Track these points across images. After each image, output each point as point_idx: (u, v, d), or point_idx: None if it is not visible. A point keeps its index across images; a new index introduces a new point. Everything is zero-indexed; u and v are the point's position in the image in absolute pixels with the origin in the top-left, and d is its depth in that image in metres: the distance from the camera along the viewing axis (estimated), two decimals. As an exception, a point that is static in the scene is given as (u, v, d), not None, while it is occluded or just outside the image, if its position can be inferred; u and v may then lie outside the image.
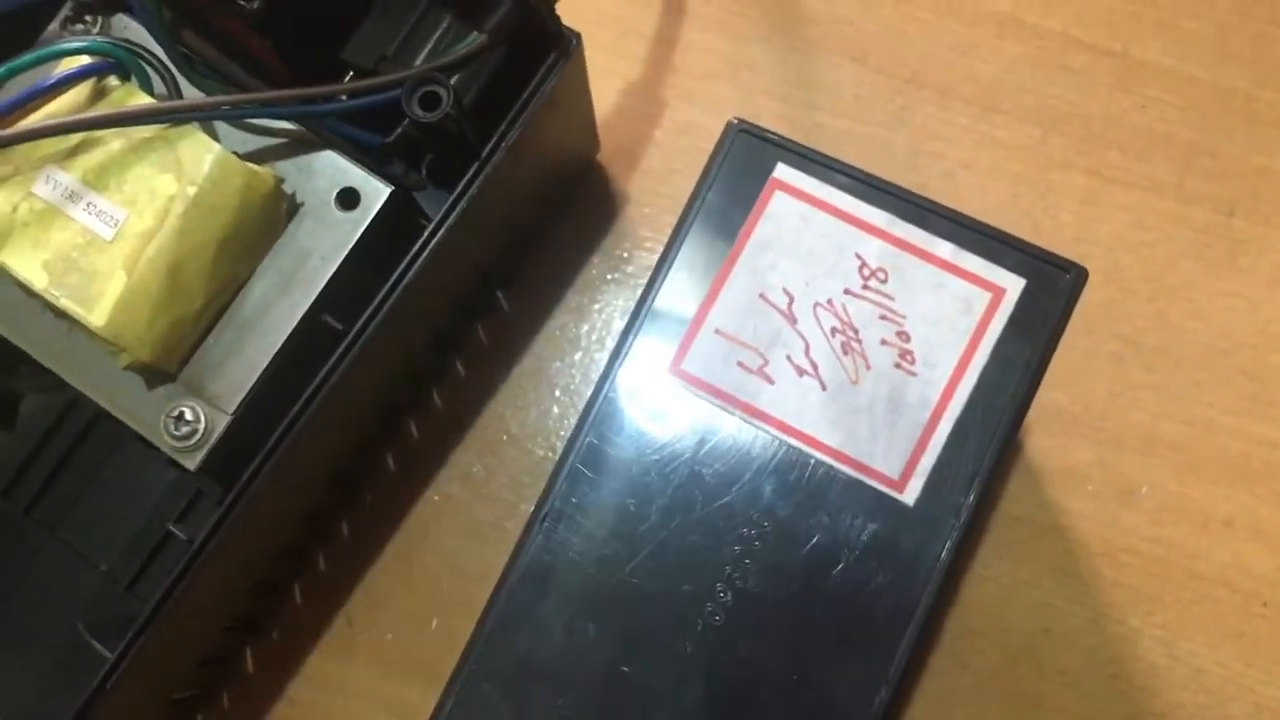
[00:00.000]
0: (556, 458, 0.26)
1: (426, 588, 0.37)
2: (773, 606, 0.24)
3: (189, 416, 0.30)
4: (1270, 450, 0.36)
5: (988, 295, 0.25)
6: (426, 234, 0.30)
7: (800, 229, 0.26)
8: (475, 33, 0.29)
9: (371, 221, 0.31)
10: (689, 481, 0.25)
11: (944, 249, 0.25)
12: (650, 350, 0.26)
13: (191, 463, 0.30)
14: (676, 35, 0.41)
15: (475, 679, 0.25)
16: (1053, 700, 0.36)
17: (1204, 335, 0.37)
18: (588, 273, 0.40)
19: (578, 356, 0.39)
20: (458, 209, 0.30)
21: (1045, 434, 0.37)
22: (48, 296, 0.28)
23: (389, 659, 0.37)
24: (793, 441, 0.25)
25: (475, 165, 0.30)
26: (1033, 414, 0.36)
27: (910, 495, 0.24)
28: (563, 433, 0.38)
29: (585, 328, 0.39)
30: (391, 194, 0.31)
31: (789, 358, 0.25)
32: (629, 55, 0.41)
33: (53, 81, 0.29)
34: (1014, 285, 0.25)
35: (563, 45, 0.31)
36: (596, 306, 0.39)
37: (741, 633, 0.24)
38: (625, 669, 0.24)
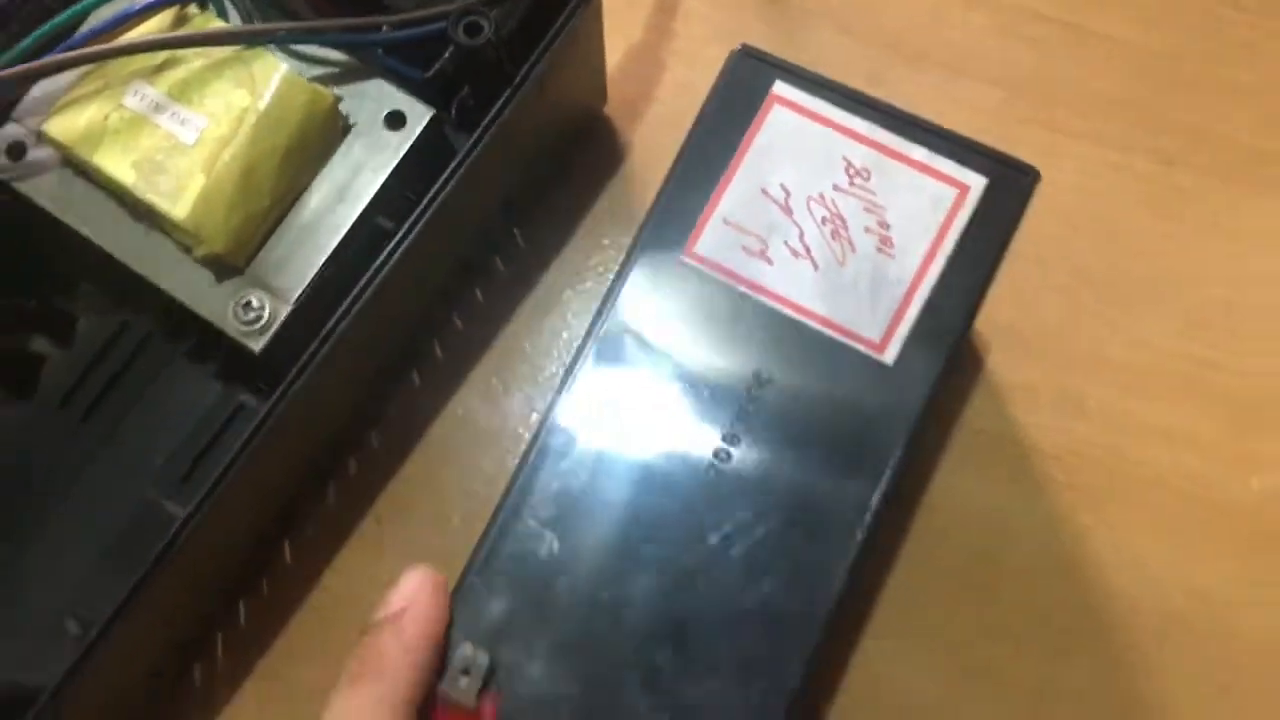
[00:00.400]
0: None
1: (449, 490, 0.41)
2: (771, 452, 0.28)
3: (255, 304, 0.34)
4: (1203, 369, 0.41)
5: (955, 191, 0.29)
6: (464, 151, 0.34)
7: (795, 136, 0.30)
8: (510, -26, 0.34)
9: (415, 140, 0.35)
10: (699, 348, 0.29)
11: (919, 153, 0.30)
12: (665, 239, 0.30)
13: (257, 345, 0.34)
14: (676, 3, 0.46)
15: (517, 513, 0.28)
16: (1011, 594, 0.40)
17: (1145, 270, 0.42)
18: (596, 211, 0.44)
19: (588, 284, 0.43)
20: (491, 130, 0.35)
21: (1003, 354, 0.41)
22: (135, 192, 0.32)
23: (414, 553, 0.41)
24: (789, 313, 0.29)
25: (508, 92, 0.35)
26: (993, 335, 0.41)
27: (890, 356, 0.28)
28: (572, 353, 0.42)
29: (594, 260, 0.43)
30: (433, 116, 0.35)
31: (785, 243, 0.29)
32: (634, 20, 0.45)
33: (140, 6, 0.33)
34: (977, 183, 0.30)
35: (588, -13, 0.35)
36: (605, 241, 0.43)
37: (742, 477, 0.28)
38: (643, 501, 0.28)
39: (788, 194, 0.30)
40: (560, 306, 0.43)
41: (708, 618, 0.27)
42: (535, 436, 0.29)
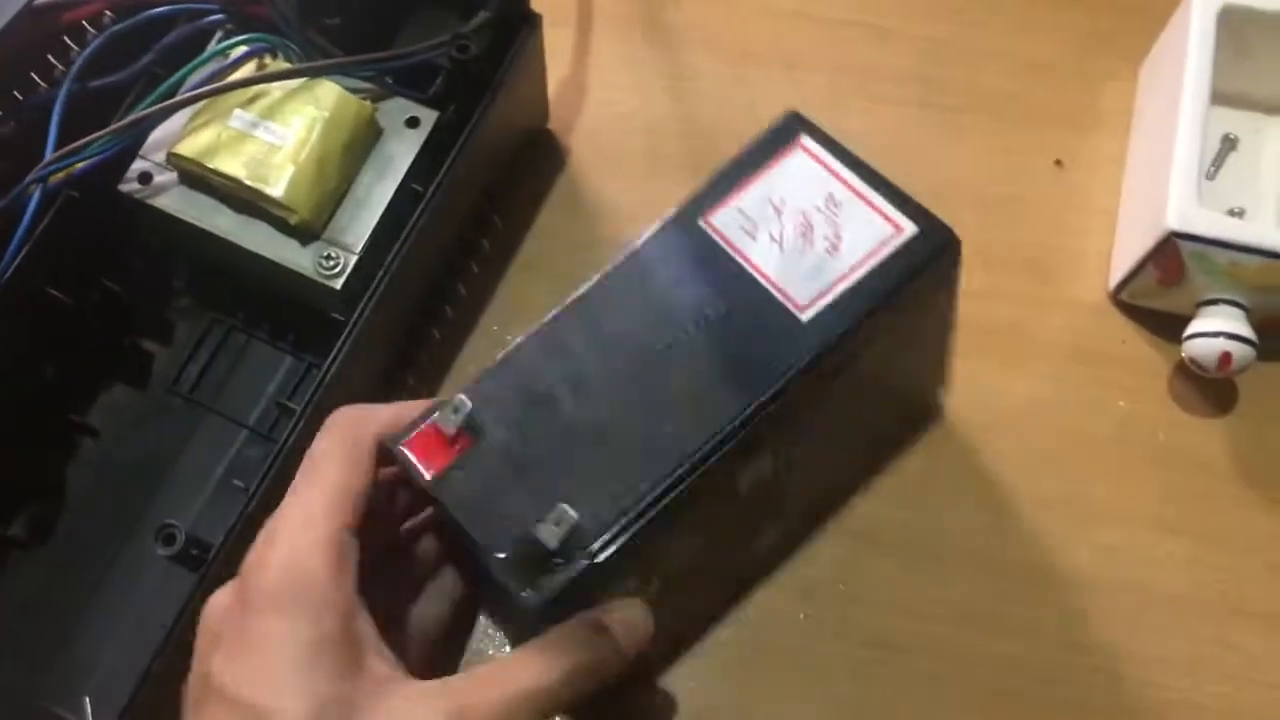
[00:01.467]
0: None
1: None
2: (706, 346, 0.39)
3: (333, 255, 0.48)
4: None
5: (892, 230, 0.41)
6: (460, 141, 0.50)
7: (803, 170, 0.42)
8: (482, 11, 0.50)
9: (428, 135, 0.50)
10: (690, 275, 0.40)
11: (879, 201, 0.41)
12: (696, 209, 0.41)
13: (337, 284, 0.48)
14: (588, 42, 0.63)
15: (533, 352, 0.39)
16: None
17: (931, 176, 0.59)
18: (550, 200, 0.59)
19: (556, 254, 0.58)
20: (474, 124, 0.50)
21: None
22: (247, 182, 0.47)
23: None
24: (752, 272, 0.40)
25: (484, 100, 0.50)
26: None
27: (806, 316, 0.39)
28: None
29: (557, 237, 0.59)
30: (438, 118, 0.51)
31: (769, 232, 0.41)
32: (561, 58, 0.62)
33: (231, 61, 0.48)
34: (910, 229, 0.40)
35: (532, 20, 0.51)
36: (560, 215, 0.59)
37: (686, 356, 0.38)
38: (608, 360, 0.38)
39: (784, 204, 0.42)
40: (544, 269, 0.58)
41: (618, 429, 0.37)
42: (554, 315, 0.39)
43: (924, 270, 0.40)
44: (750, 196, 0.42)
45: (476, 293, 0.58)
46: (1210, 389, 0.55)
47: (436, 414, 0.36)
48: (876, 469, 0.54)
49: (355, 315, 0.47)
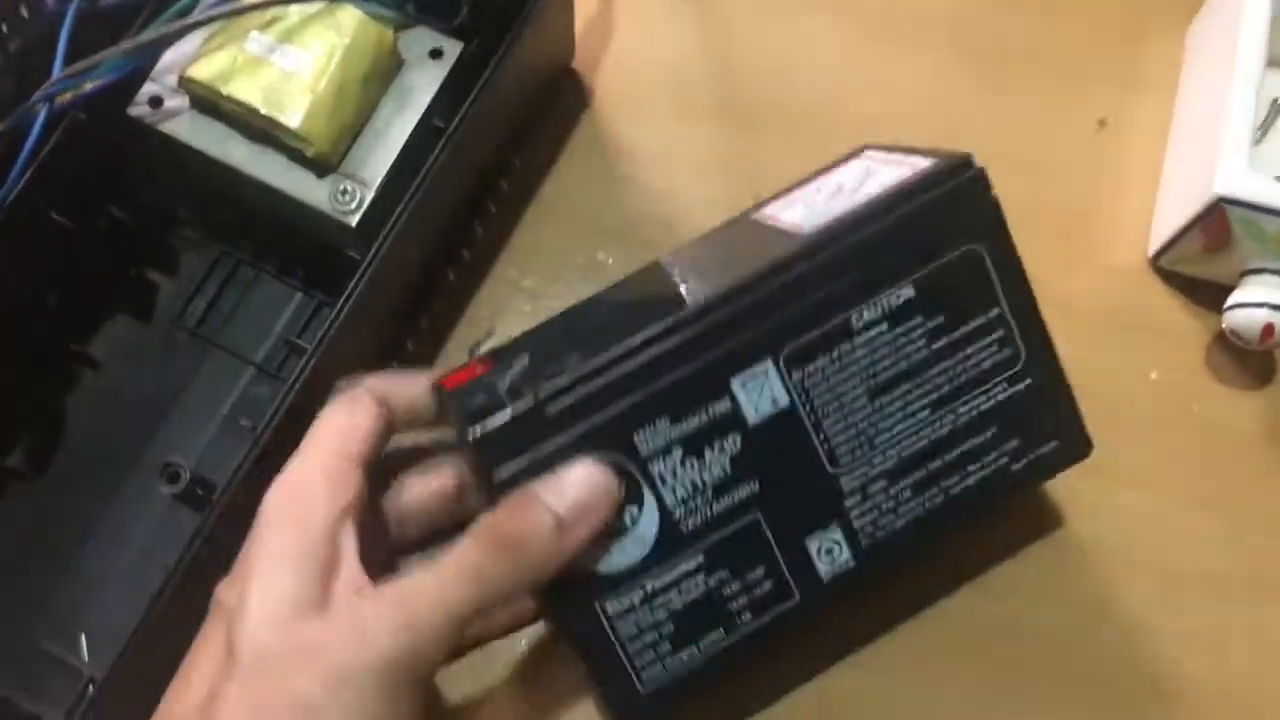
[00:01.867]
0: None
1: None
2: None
3: (349, 189, 0.47)
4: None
5: (907, 170, 0.39)
6: (487, 73, 0.48)
7: (856, 166, 0.43)
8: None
9: (452, 66, 0.48)
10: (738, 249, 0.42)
11: (909, 158, 0.40)
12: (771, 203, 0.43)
13: (353, 220, 0.46)
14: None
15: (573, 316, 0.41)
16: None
17: (966, 129, 0.57)
18: (573, 142, 0.57)
19: (574, 197, 0.56)
20: (502, 57, 0.48)
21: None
22: (262, 110, 0.45)
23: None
24: (779, 227, 0.41)
25: (514, 28, 0.48)
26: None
27: (808, 230, 0.39)
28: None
29: (576, 180, 0.57)
30: (463, 49, 0.48)
31: (804, 201, 0.42)
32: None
33: (250, -16, 0.46)
34: (925, 162, 0.39)
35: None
36: (581, 157, 0.57)
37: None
38: (635, 309, 0.40)
39: (842, 185, 0.41)
40: (565, 205, 0.56)
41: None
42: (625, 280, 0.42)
43: (932, 187, 0.38)
44: (819, 180, 0.42)
45: (493, 235, 0.56)
46: (1248, 361, 0.53)
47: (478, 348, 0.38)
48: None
49: (371, 254, 0.46)
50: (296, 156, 0.46)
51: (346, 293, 0.45)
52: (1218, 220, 0.49)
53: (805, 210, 0.40)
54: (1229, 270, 0.51)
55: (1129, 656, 0.49)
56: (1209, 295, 0.53)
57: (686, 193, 0.56)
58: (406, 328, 0.53)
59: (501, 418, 0.35)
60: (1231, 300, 0.50)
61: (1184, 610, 0.50)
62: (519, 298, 0.55)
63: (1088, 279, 0.55)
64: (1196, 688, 0.49)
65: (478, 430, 0.35)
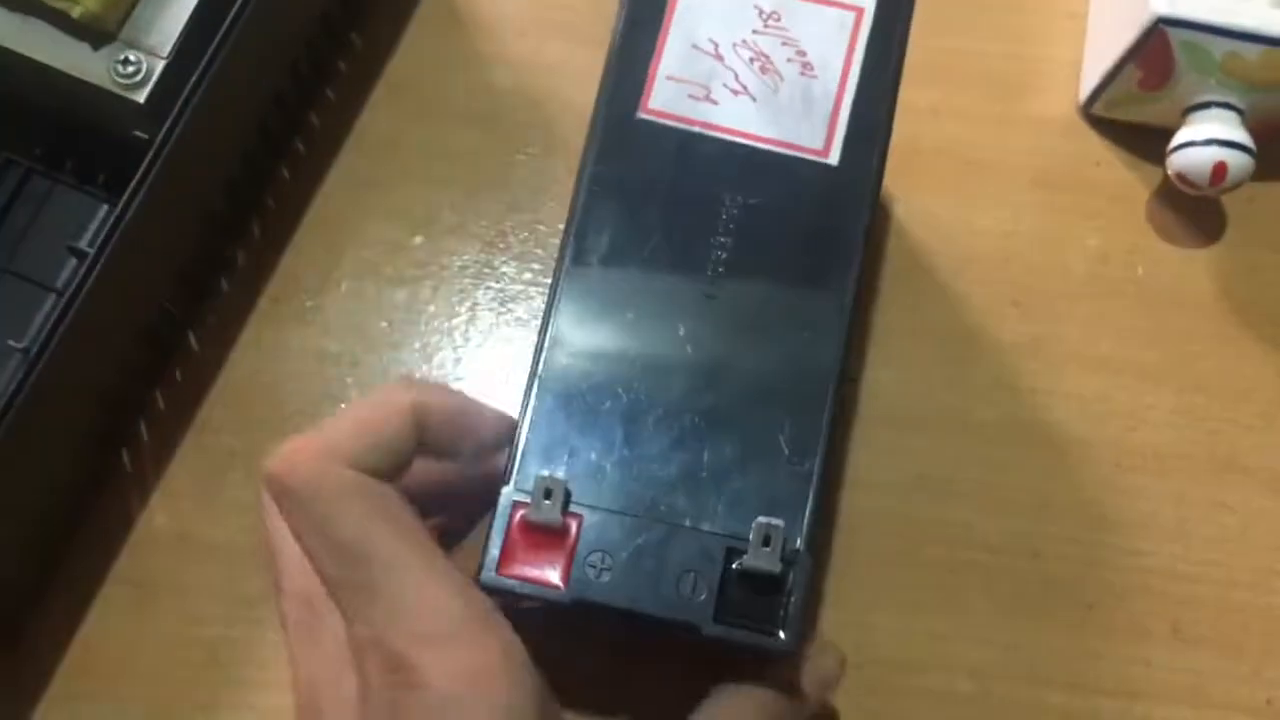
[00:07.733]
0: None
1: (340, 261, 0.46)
2: (756, 260, 0.32)
3: (133, 59, 0.38)
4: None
5: (852, 14, 0.34)
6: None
7: None
8: None
9: (253, -91, 0.40)
10: (675, 186, 0.32)
11: None
12: (619, 102, 0.33)
13: (140, 96, 0.38)
14: None
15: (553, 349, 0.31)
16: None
17: None
18: (423, 11, 0.49)
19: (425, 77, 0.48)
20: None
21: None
22: (11, -38, 0.37)
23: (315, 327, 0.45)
24: (740, 140, 0.33)
25: None
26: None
27: (834, 157, 0.33)
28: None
29: (427, 60, 0.49)
30: (265, -113, 0.40)
31: (724, 85, 0.34)
32: None
33: None
34: (869, 5, 0.34)
35: None
36: (434, 30, 0.49)
37: (735, 286, 0.32)
38: (648, 332, 0.32)
39: (716, 45, 0.34)
40: (402, 96, 0.48)
41: (728, 407, 0.30)
42: (551, 298, 0.32)
43: (906, 36, 0.34)
44: (671, 57, 0.34)
45: (332, 125, 0.48)
46: (1195, 215, 0.47)
47: (529, 508, 0.29)
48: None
49: (162, 134, 0.37)
50: (64, 22, 0.38)
51: (135, 180, 0.37)
52: (1157, 47, 0.42)
53: (753, 106, 0.34)
54: (1171, 110, 0.45)
55: (1084, 553, 0.43)
56: (1148, 143, 0.47)
57: (563, 68, 0.49)
58: (233, 232, 0.45)
59: (794, 606, 0.29)
60: (1176, 140, 0.44)
61: (1141, 495, 0.44)
62: (372, 194, 0.47)
63: (1015, 134, 0.49)
64: (1161, 581, 0.43)
65: (789, 640, 0.29)
